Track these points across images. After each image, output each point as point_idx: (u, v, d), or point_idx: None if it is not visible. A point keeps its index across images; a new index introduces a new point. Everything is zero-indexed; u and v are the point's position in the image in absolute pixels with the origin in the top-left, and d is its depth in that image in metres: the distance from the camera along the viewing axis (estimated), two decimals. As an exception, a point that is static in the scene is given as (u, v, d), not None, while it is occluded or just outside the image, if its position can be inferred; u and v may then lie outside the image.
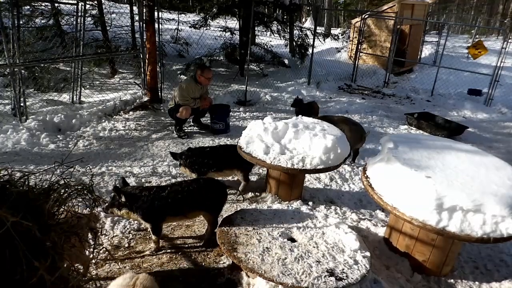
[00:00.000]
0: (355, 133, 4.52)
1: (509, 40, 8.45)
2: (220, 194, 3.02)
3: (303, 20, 23.91)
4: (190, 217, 3.07)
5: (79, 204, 2.27)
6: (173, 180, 4.05)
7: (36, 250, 1.23)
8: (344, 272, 2.31)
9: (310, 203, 3.75)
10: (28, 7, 7.94)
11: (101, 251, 2.79)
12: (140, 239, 3.06)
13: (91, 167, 4.19)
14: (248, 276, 2.58)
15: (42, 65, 6.71)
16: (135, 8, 8.40)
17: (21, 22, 6.53)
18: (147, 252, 2.88)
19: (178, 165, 4.01)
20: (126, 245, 2.97)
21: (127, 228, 3.17)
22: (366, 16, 10.71)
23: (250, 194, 3.90)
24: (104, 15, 8.30)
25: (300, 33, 10.55)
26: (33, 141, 4.71)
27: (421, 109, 7.88)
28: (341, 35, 14.43)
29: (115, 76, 8.49)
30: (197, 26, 9.65)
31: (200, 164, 3.83)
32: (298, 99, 6.20)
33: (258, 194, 3.91)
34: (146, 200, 2.74)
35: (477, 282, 2.82)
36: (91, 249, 2.26)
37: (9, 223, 1.08)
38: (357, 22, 11.11)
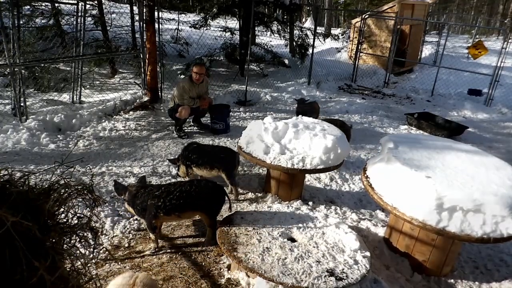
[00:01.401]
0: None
1: (509, 40, 8.45)
2: (216, 196, 3.01)
3: (303, 20, 23.92)
4: (185, 217, 3.08)
5: (79, 204, 2.27)
6: (173, 180, 4.05)
7: (36, 250, 1.23)
8: (344, 272, 2.31)
9: (310, 203, 3.75)
10: (28, 7, 7.94)
11: (101, 251, 2.80)
12: (140, 239, 3.06)
13: (91, 167, 4.19)
14: (248, 276, 2.59)
15: (42, 65, 6.71)
16: (135, 8, 8.40)
17: (21, 22, 6.53)
18: (147, 252, 2.89)
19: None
20: (126, 245, 2.98)
21: (127, 228, 3.17)
22: (366, 16, 10.70)
23: (250, 194, 3.90)
24: (104, 15, 8.30)
25: (300, 33, 10.55)
26: (33, 141, 4.71)
27: (421, 109, 7.88)
28: (341, 35, 14.44)
29: (115, 76, 8.49)
30: (197, 26, 9.65)
31: (186, 158, 3.86)
32: (302, 98, 6.46)
33: (258, 194, 3.91)
34: (140, 197, 2.84)
35: (477, 282, 2.82)
36: (91, 249, 2.26)
37: (9, 223, 1.08)
38: (357, 22, 11.11)
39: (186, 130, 5.64)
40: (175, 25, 11.14)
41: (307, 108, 5.98)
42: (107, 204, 3.43)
